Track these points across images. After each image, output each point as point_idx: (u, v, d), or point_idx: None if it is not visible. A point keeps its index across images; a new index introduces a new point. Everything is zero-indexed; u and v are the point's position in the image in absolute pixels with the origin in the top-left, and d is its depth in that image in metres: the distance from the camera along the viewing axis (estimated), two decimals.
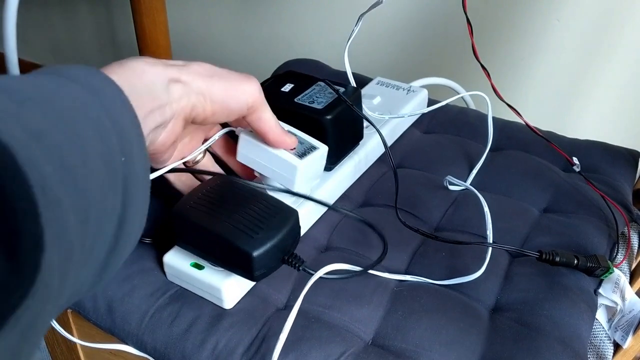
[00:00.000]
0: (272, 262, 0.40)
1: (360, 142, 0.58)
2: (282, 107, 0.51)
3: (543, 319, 0.44)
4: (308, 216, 0.51)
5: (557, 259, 0.47)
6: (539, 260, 0.47)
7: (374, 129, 0.54)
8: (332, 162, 0.54)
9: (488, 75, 0.58)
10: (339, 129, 0.52)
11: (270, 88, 0.54)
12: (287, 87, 0.53)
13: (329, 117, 0.50)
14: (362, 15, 0.57)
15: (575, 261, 0.47)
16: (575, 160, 0.59)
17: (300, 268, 0.41)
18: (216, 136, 0.47)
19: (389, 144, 0.64)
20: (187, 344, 0.42)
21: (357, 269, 0.45)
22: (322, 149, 0.49)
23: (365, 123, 0.62)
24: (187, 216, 0.41)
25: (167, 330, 0.43)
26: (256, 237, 0.39)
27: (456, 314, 0.44)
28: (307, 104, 0.52)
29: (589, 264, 0.47)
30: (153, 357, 0.43)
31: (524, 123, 0.61)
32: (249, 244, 0.38)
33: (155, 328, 0.43)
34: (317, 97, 0.52)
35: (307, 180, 0.48)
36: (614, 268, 0.48)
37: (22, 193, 0.19)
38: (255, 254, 0.38)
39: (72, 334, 0.51)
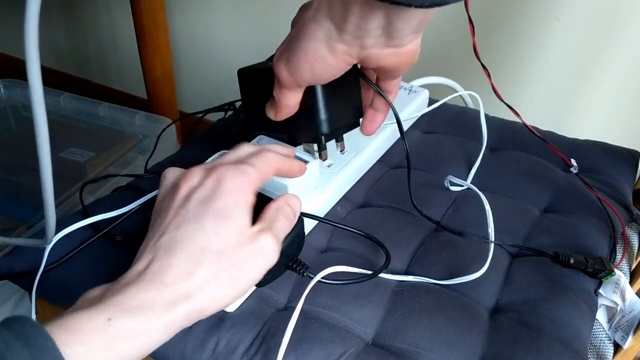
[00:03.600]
0: (277, 268, 0.40)
1: (360, 123, 0.49)
2: (266, 77, 0.44)
3: (543, 319, 0.44)
4: (307, 220, 0.51)
5: (572, 261, 0.47)
6: (554, 262, 0.47)
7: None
8: (328, 134, 0.47)
9: (488, 75, 0.58)
10: (331, 91, 0.44)
11: (256, 65, 0.49)
12: None
13: (319, 86, 0.43)
14: None
15: (586, 264, 0.47)
16: (573, 162, 0.59)
17: (305, 274, 0.41)
18: None
19: (390, 145, 0.64)
20: (188, 344, 0.42)
21: (358, 270, 0.45)
22: (314, 163, 0.48)
23: None
24: None
25: None
26: None
27: (456, 314, 0.44)
28: None
29: (596, 267, 0.47)
30: (153, 357, 0.43)
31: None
32: None
33: None
34: None
35: (302, 195, 0.48)
36: (615, 270, 0.48)
37: None
38: None
39: None
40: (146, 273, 0.33)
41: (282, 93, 0.42)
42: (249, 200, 0.36)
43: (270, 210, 0.38)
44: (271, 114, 0.45)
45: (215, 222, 0.34)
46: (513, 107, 0.59)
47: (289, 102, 0.43)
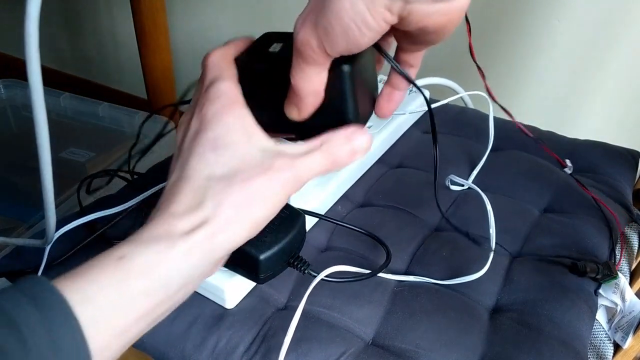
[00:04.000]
0: (278, 265, 0.40)
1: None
2: (278, 71, 0.36)
3: (543, 320, 0.44)
4: (308, 218, 0.51)
5: (588, 269, 0.46)
6: (571, 272, 0.47)
7: (375, 130, 0.54)
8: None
9: (483, 75, 0.58)
10: (358, 83, 0.37)
11: (254, 53, 0.39)
12: (276, 47, 0.39)
13: (346, 66, 0.35)
14: None
15: (597, 271, 0.47)
16: (567, 162, 0.59)
17: (306, 272, 0.41)
18: None
19: (390, 144, 0.64)
20: (188, 343, 0.42)
21: (359, 270, 0.45)
22: None
23: (372, 121, 0.62)
24: None
25: (168, 329, 0.43)
26: (263, 240, 0.39)
27: (457, 314, 0.44)
28: None
29: (604, 272, 0.47)
30: (153, 356, 0.43)
31: (523, 123, 0.61)
32: (256, 247, 0.38)
33: (155, 327, 0.43)
34: None
35: (302, 193, 0.47)
36: (618, 273, 0.48)
37: None
38: (262, 257, 0.38)
39: None
40: (157, 211, 0.31)
41: (305, 74, 0.33)
42: (240, 113, 0.33)
43: (320, 138, 0.33)
44: (293, 113, 0.36)
45: (215, 152, 0.32)
46: (514, 107, 0.59)
47: (313, 86, 0.34)
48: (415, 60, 0.38)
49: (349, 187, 0.58)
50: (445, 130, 0.68)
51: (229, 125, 0.32)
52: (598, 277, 0.47)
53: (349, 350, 0.41)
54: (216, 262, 0.31)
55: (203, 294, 0.45)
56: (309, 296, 0.40)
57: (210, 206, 0.30)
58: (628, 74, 0.92)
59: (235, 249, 0.32)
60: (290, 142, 0.33)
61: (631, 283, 0.51)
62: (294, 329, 0.39)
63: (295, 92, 0.34)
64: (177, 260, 0.29)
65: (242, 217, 0.31)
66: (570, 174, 0.59)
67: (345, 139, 0.34)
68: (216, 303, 0.44)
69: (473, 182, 0.59)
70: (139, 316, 0.29)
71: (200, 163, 0.32)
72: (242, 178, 0.31)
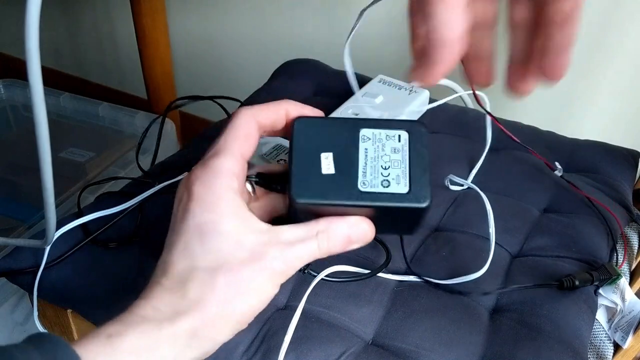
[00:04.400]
0: None
1: None
2: (347, 206, 0.31)
3: (543, 319, 0.44)
4: None
5: (577, 283, 0.46)
6: (560, 289, 0.46)
7: None
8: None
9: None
10: None
11: (302, 171, 0.31)
12: (329, 165, 0.31)
13: (426, 200, 0.33)
14: (363, 10, 0.57)
15: (591, 278, 0.46)
16: (557, 164, 0.58)
17: (306, 271, 0.41)
18: None
19: None
20: None
21: (359, 270, 0.45)
22: None
23: None
24: None
25: None
26: None
27: (456, 314, 0.44)
28: (382, 188, 0.31)
29: (602, 277, 0.47)
30: None
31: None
32: None
33: None
34: (381, 164, 0.32)
35: None
36: (621, 273, 0.47)
37: None
38: None
39: (72, 335, 0.51)
40: (146, 293, 0.31)
41: (449, 14, 0.24)
42: (232, 200, 0.30)
43: (318, 223, 0.31)
44: (430, 74, 0.27)
45: (201, 241, 0.30)
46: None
47: (459, 29, 0.25)
48: (564, 10, 0.27)
49: None
50: (444, 130, 0.68)
51: (220, 211, 0.30)
52: (595, 282, 0.47)
53: (349, 350, 0.41)
54: (205, 354, 0.30)
55: None
56: (309, 296, 0.40)
57: (193, 297, 0.29)
58: (628, 74, 0.92)
59: (223, 342, 0.30)
60: (284, 225, 0.30)
61: (631, 283, 0.51)
62: (293, 328, 0.39)
63: (436, 44, 0.26)
64: (162, 344, 0.29)
65: (226, 314, 0.30)
66: (561, 176, 0.58)
67: (346, 228, 0.31)
68: None
69: (472, 182, 0.59)
70: None
71: (184, 251, 0.30)
72: (227, 269, 0.29)
